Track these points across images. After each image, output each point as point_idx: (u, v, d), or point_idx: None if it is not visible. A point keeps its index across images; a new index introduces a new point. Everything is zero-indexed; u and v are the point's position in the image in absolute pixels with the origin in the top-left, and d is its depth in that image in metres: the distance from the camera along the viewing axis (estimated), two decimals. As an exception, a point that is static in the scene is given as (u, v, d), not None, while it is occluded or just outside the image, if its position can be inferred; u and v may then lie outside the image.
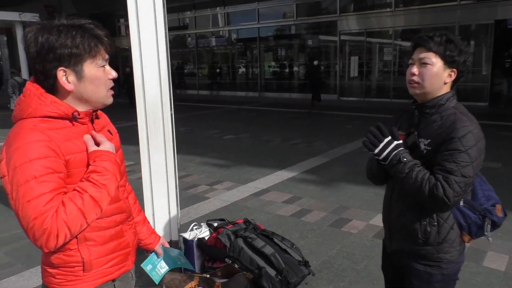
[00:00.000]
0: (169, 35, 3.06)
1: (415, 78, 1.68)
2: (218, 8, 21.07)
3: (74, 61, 1.28)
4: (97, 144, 1.36)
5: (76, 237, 1.32)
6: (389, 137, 1.69)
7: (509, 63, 12.72)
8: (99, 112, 1.53)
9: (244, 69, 21.49)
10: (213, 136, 9.93)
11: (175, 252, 1.84)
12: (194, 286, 2.78)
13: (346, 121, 11.45)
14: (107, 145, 1.36)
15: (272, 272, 2.97)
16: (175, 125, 3.22)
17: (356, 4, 16.48)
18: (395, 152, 1.66)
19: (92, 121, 1.42)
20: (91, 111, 1.40)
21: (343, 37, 16.95)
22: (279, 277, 2.96)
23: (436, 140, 1.63)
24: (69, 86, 1.30)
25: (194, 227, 3.39)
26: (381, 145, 1.69)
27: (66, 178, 1.28)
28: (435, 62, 1.65)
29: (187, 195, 5.47)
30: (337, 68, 17.26)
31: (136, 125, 3.15)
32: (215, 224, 3.36)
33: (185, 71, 23.78)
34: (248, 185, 5.87)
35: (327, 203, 5.04)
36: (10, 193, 1.21)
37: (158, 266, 1.79)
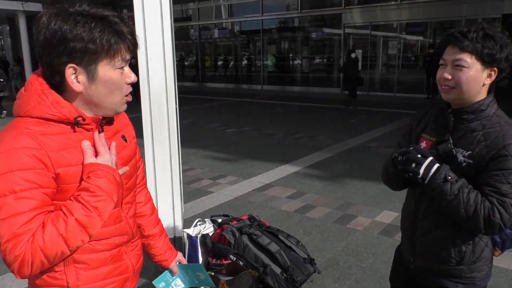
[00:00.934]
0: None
1: (450, 83, 1.46)
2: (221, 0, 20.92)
3: (88, 59, 1.08)
4: (97, 154, 1.16)
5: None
6: (431, 157, 1.45)
7: None
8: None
9: (246, 61, 21.36)
10: (216, 129, 9.88)
11: (194, 267, 1.64)
12: (199, 283, 2.74)
13: (350, 114, 11.37)
14: (106, 157, 1.15)
15: (277, 270, 2.93)
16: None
17: (361, -4, 16.34)
18: (434, 168, 1.43)
19: (101, 128, 1.21)
20: (101, 117, 1.19)
21: (347, 30, 16.81)
22: (284, 275, 2.92)
23: (479, 153, 1.43)
24: (77, 87, 1.11)
25: (198, 223, 3.34)
26: (424, 165, 1.43)
27: (56, 194, 1.09)
28: (472, 64, 1.41)
29: (190, 189, 5.43)
30: (341, 61, 17.14)
31: (139, 117, 3.10)
32: (219, 220, 3.32)
33: (187, 63, 23.66)
34: (251, 179, 5.82)
35: (331, 199, 5.00)
36: None
37: (172, 283, 1.58)
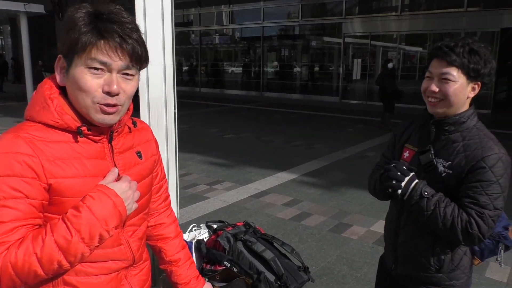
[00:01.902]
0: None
1: (437, 95, 1.49)
2: (222, 6, 21.00)
3: (68, 50, 1.00)
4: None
5: (51, 279, 1.04)
6: (411, 174, 1.49)
7: None
8: (140, 124, 1.22)
9: (246, 68, 21.43)
10: (213, 134, 9.88)
11: None
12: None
13: (348, 124, 11.40)
14: (123, 186, 1.06)
15: (271, 277, 2.91)
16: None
17: (361, 7, 16.44)
18: (413, 185, 1.47)
19: (110, 140, 1.11)
20: (108, 128, 1.08)
21: (347, 40, 16.90)
22: (278, 282, 2.91)
23: (459, 164, 1.46)
24: (59, 78, 1.04)
25: (193, 228, 3.33)
26: (404, 183, 1.48)
27: (49, 206, 1.01)
28: (458, 78, 1.45)
29: (186, 194, 5.42)
30: (340, 70, 17.22)
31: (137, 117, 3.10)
32: (215, 226, 3.31)
33: (187, 68, 23.71)
34: (248, 186, 5.82)
35: (327, 208, 5.00)
36: None
37: None
